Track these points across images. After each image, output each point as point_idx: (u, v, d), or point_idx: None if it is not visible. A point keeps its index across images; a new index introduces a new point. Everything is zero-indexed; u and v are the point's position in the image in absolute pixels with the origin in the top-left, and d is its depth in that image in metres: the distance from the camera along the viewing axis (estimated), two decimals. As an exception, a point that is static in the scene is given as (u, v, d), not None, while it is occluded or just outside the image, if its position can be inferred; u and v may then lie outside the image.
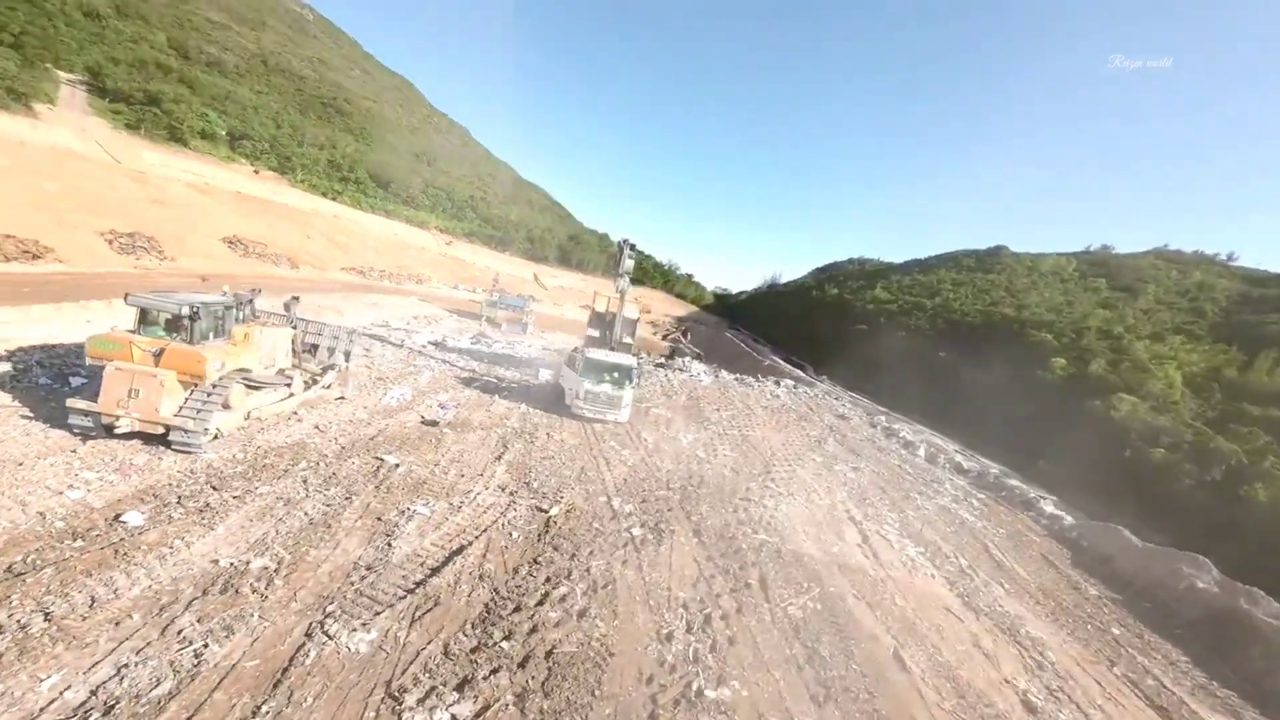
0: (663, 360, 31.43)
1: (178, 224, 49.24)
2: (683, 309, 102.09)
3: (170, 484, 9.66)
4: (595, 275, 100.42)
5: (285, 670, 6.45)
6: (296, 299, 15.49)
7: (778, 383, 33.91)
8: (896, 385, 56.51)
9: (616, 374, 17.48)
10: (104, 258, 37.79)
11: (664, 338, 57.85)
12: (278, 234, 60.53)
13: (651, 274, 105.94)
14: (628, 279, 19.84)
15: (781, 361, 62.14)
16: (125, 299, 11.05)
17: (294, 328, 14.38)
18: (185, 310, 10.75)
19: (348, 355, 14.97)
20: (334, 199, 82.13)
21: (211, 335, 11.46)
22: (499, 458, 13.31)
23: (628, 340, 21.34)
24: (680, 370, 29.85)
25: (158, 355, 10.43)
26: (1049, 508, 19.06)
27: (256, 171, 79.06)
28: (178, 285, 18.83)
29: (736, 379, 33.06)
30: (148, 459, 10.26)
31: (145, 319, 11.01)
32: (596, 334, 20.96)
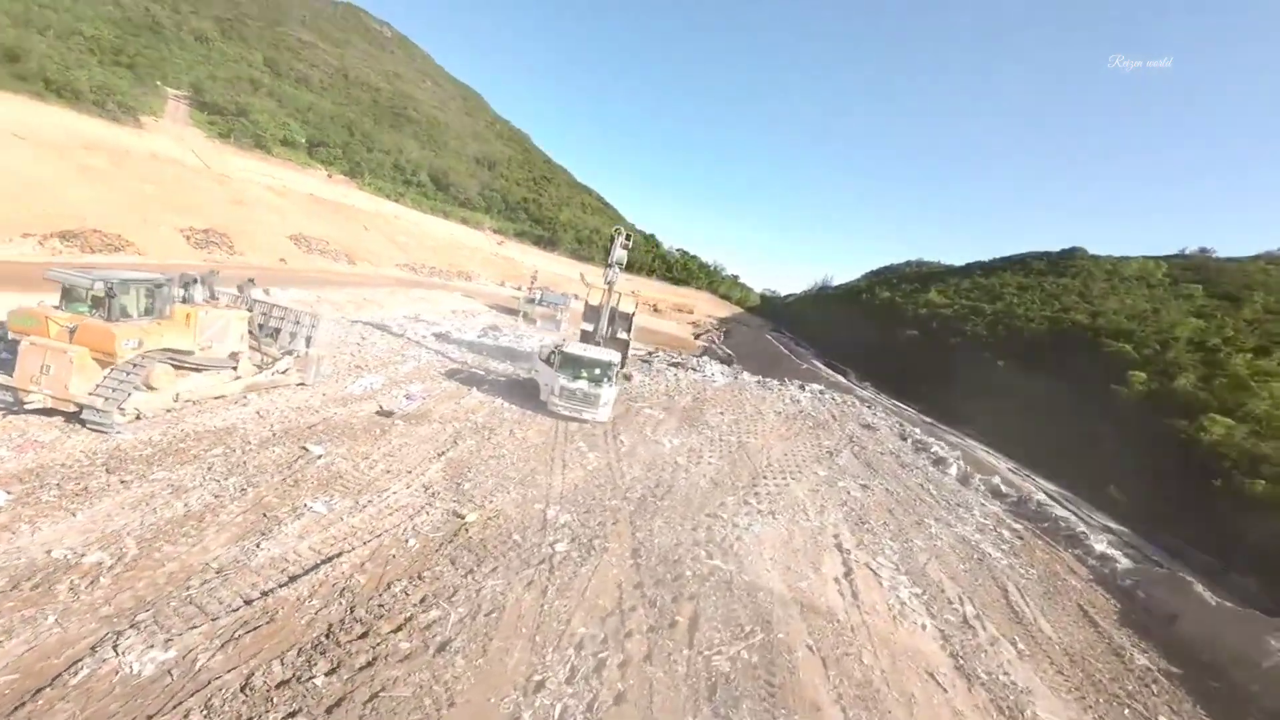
0: (678, 359, 29.46)
1: (251, 222, 52.05)
2: (726, 310, 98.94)
3: (63, 464, 8.96)
4: (640, 275, 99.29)
5: (40, 690, 5.31)
6: (252, 281, 14.89)
7: (802, 387, 31.11)
8: (947, 396, 51.57)
9: (596, 370, 15.85)
10: (179, 251, 40.15)
11: (697, 337, 55.60)
12: (341, 232, 63.11)
13: (696, 274, 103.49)
14: (618, 270, 18.19)
15: (822, 366, 58.39)
16: (45, 274, 10.56)
17: (250, 310, 13.71)
18: (101, 287, 10.09)
19: (309, 340, 14.22)
20: (397, 200, 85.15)
21: (140, 314, 10.81)
22: (441, 454, 12.01)
23: (623, 335, 19.70)
24: (694, 370, 27.81)
25: (73, 331, 9.86)
26: (1100, 545, 15.67)
27: (330, 175, 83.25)
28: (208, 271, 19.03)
29: (758, 381, 30.58)
30: (56, 436, 9.66)
31: (68, 295, 10.48)
32: (590, 328, 19.46)
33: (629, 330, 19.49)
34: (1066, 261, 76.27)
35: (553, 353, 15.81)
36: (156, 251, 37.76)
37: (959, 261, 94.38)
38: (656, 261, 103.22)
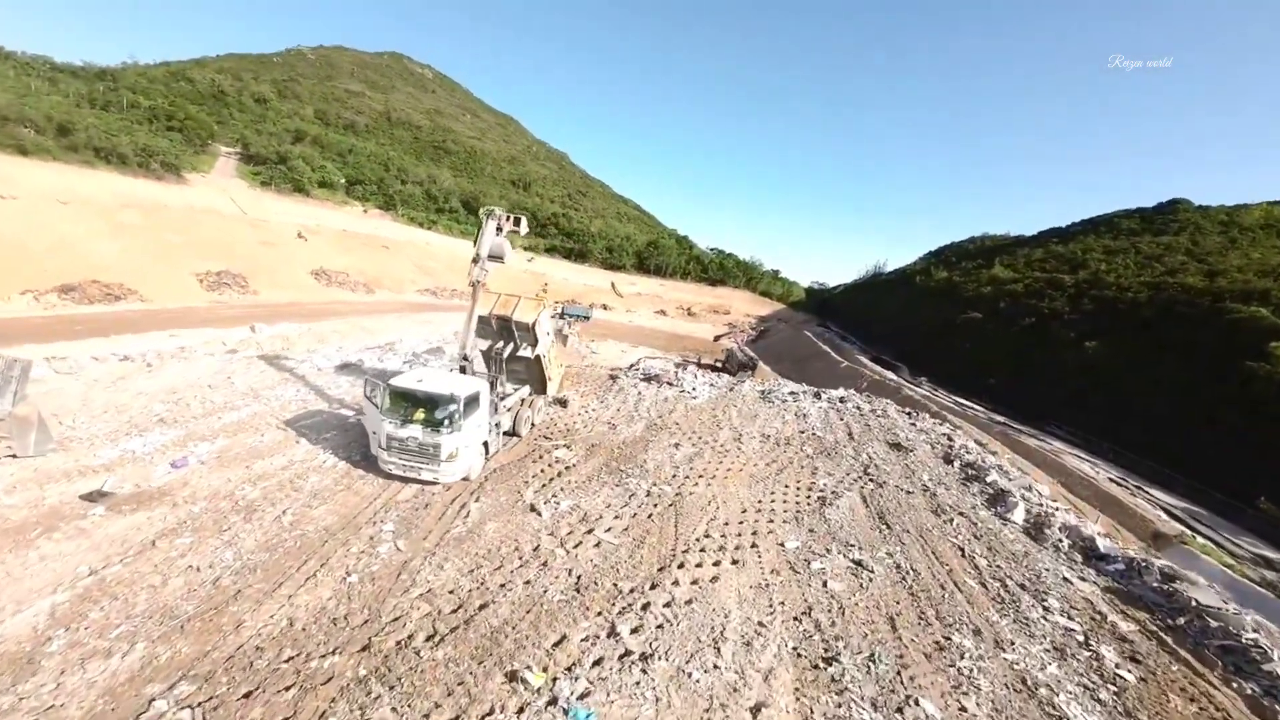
0: (655, 373, 23.57)
1: (277, 261, 51.44)
2: (767, 308, 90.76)
3: None
4: (674, 279, 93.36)
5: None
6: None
7: (818, 395, 24.17)
8: (1021, 388, 41.86)
9: (436, 410, 10.59)
10: (191, 295, 39.12)
11: (716, 339, 49.07)
12: (366, 264, 62.13)
13: (732, 273, 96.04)
14: (484, 267, 12.80)
15: (868, 362, 49.85)
16: None
17: (-83, 363, 9.68)
18: None
19: (16, 396, 10.03)
20: (429, 228, 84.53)
21: None
22: (85, 576, 7.17)
23: (527, 353, 14.33)
24: (672, 385, 21.83)
25: None
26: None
27: (365, 210, 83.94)
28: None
29: (762, 393, 24.11)
30: None
31: None
32: (487, 346, 14.28)
33: (535, 343, 14.13)
34: (1165, 216, 62.61)
35: (376, 387, 10.76)
36: (164, 298, 36.71)
37: (1030, 230, 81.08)
38: (690, 264, 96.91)
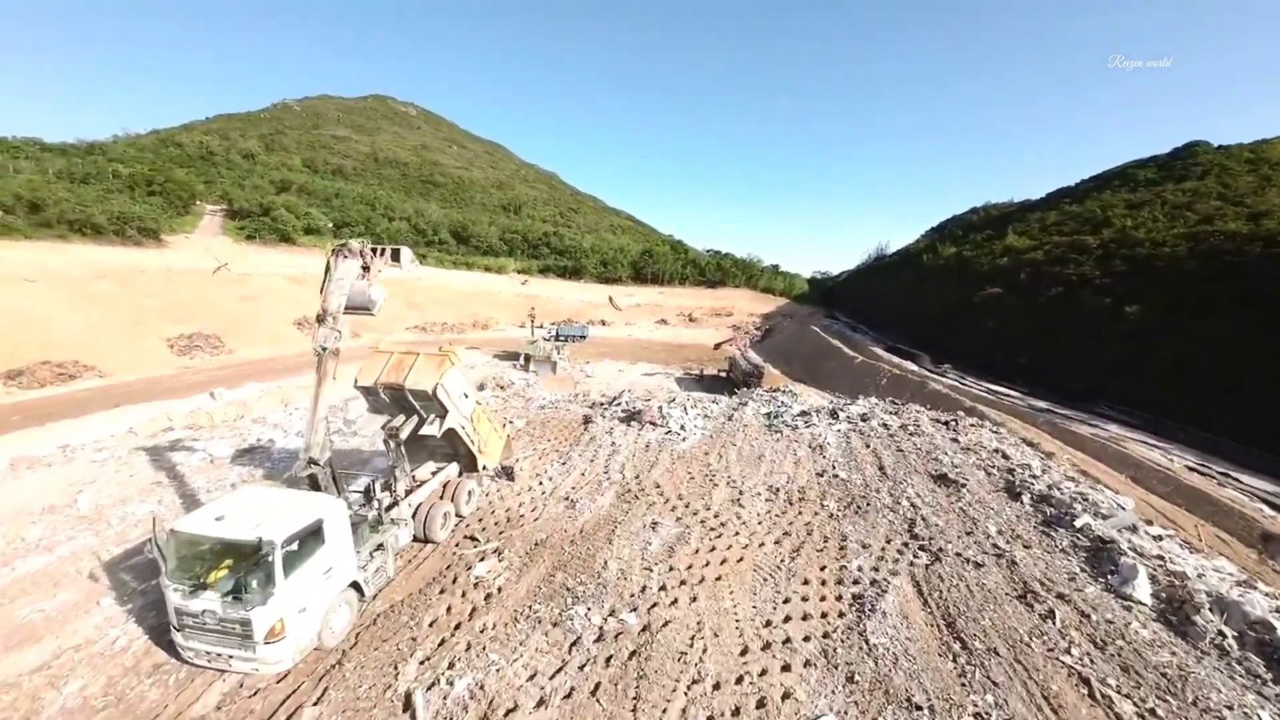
0: (636, 409, 19.28)
1: (256, 316, 48.49)
2: (770, 304, 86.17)
3: None
4: (672, 286, 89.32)
5: None
6: None
7: (835, 416, 19.69)
8: (1057, 365, 36.85)
9: (241, 566, 6.61)
10: (159, 362, 36.03)
11: (716, 347, 44.77)
12: (353, 306, 59.35)
13: (731, 273, 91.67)
14: (337, 327, 8.84)
15: (884, 353, 45.14)
16: None
17: None
18: None
19: None
20: (418, 264, 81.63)
21: None
22: None
23: (431, 431, 10.33)
24: (656, 425, 17.60)
25: None
26: None
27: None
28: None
29: (768, 417, 19.85)
30: None
31: None
32: (384, 423, 10.36)
33: (442, 416, 10.17)
34: (1184, 162, 56.92)
35: (154, 540, 6.74)
36: (127, 370, 33.62)
37: (1037, 194, 75.49)
38: (688, 268, 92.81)
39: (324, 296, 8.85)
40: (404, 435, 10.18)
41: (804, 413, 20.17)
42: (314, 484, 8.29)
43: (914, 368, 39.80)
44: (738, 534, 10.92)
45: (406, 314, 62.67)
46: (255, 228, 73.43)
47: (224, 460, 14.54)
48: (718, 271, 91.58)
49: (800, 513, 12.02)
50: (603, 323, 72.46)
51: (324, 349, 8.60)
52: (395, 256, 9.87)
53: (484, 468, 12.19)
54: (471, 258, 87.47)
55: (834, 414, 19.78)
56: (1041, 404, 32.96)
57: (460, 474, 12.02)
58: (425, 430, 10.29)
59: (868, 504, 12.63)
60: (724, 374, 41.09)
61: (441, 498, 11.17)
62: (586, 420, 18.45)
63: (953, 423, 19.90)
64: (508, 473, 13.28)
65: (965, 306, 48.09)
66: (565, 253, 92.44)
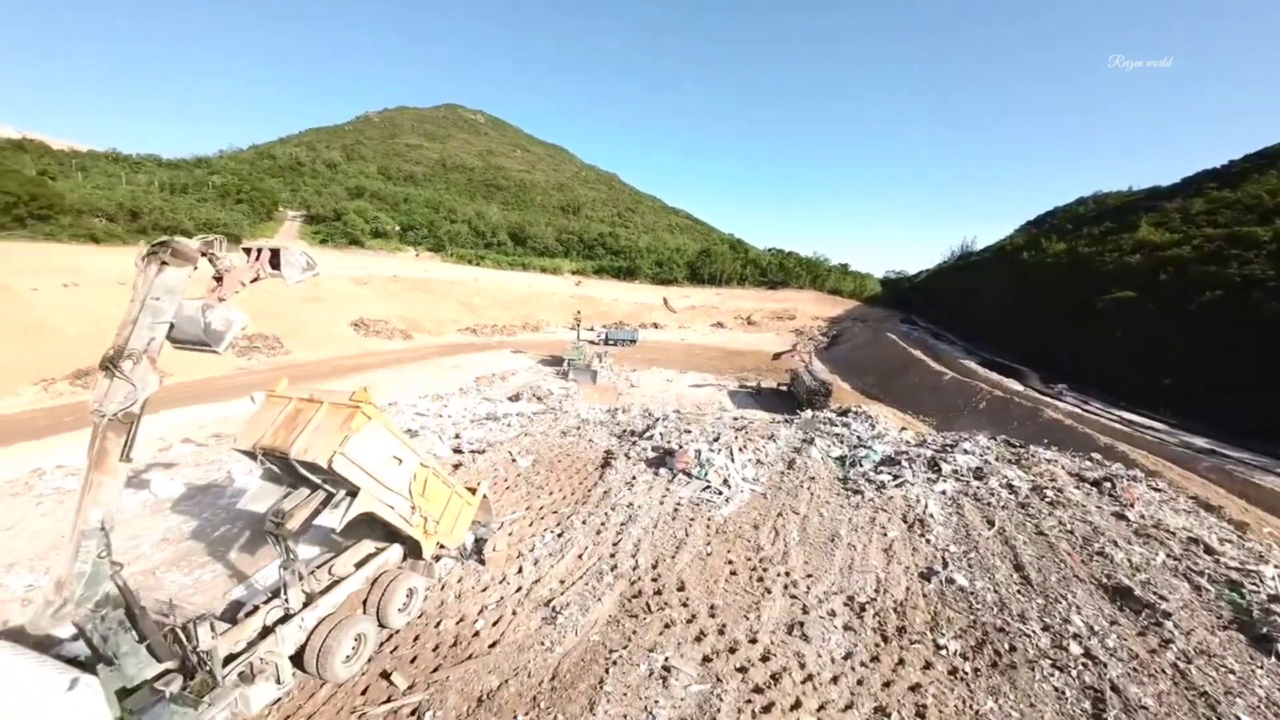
0: (670, 449, 14.97)
1: (317, 317, 48.97)
2: (838, 307, 78.43)
3: None
4: (730, 287, 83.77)
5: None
6: None
7: (935, 469, 14.46)
8: (1214, 390, 28.59)
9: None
10: (221, 362, 36.53)
11: (776, 357, 39.41)
12: (410, 308, 59.10)
13: (795, 273, 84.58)
14: (138, 378, 5.43)
15: (977, 368, 37.95)
16: None
17: None
18: None
19: None
20: (476, 264, 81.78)
21: None
22: None
23: (327, 522, 6.84)
24: (691, 476, 13.26)
25: None
26: None
27: (417, 254, 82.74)
28: None
29: (842, 465, 15.08)
30: None
31: None
32: (270, 510, 7.02)
33: (353, 494, 6.69)
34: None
35: None
36: (188, 370, 34.04)
37: (1165, 181, 63.03)
38: (747, 268, 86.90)
39: (121, 325, 5.49)
40: (296, 524, 6.78)
41: (891, 459, 15.14)
42: (91, 643, 5.00)
43: (1019, 388, 32.71)
44: (799, 703, 6.61)
45: (461, 316, 61.97)
46: (328, 232, 75.91)
47: (166, 503, 12.01)
48: (780, 271, 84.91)
49: (901, 660, 7.46)
50: (655, 325, 68.68)
51: (103, 415, 5.24)
52: (275, 261, 6.45)
53: (434, 554, 8.62)
54: (527, 258, 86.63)
55: (934, 465, 14.62)
56: (1200, 441, 25.40)
57: (405, 560, 8.54)
58: (322, 520, 6.83)
59: (1011, 648, 7.82)
60: (784, 388, 35.92)
61: (364, 605, 7.71)
62: (606, 460, 14.57)
63: (1109, 485, 14.15)
64: (478, 549, 9.65)
65: (1083, 313, 39.68)
66: (620, 253, 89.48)
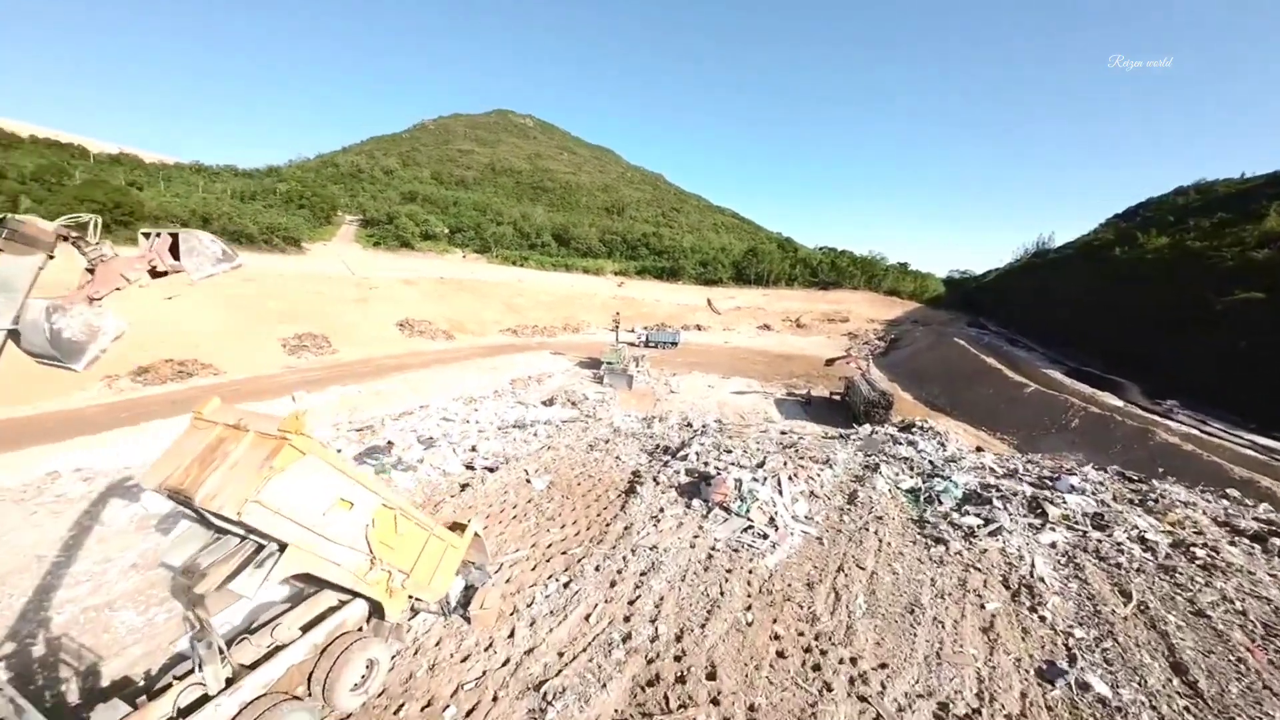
0: (706, 473, 12.80)
1: (365, 317, 49.96)
2: (896, 309, 73.02)
3: None
4: (778, 287, 79.90)
5: None
6: None
7: (1039, 512, 11.57)
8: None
9: None
10: (271, 361, 37.27)
11: (829, 363, 36.17)
12: (454, 309, 59.58)
13: (848, 272, 79.61)
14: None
15: (1063, 378, 33.34)
16: None
17: None
18: None
19: None
20: (520, 265, 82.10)
21: None
22: None
23: (241, 589, 5.25)
24: (730, 511, 11.09)
25: None
26: None
27: (464, 255, 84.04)
28: None
29: (915, 500, 12.47)
30: None
31: None
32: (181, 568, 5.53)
33: (280, 549, 5.13)
34: None
35: None
36: (240, 368, 35.08)
37: (1267, 168, 54.20)
38: (796, 268, 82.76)
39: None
40: (210, 586, 5.25)
41: (977, 495, 12.36)
42: None
43: (1118, 403, 28.17)
44: None
45: (504, 317, 61.90)
46: (381, 235, 78.10)
47: (153, 519, 11.09)
48: (831, 271, 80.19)
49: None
50: (698, 328, 66.23)
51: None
52: (175, 249, 4.93)
53: (409, 607, 6.97)
54: (571, 259, 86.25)
55: (1035, 505, 11.74)
56: (1367, 475, 20.53)
57: (369, 622, 6.92)
58: (238, 586, 5.25)
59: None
60: (837, 397, 32.83)
61: (310, 680, 6.12)
62: (632, 484, 12.64)
63: (1277, 542, 10.82)
64: (465, 600, 7.94)
65: (1194, 316, 34.14)
66: (664, 253, 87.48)
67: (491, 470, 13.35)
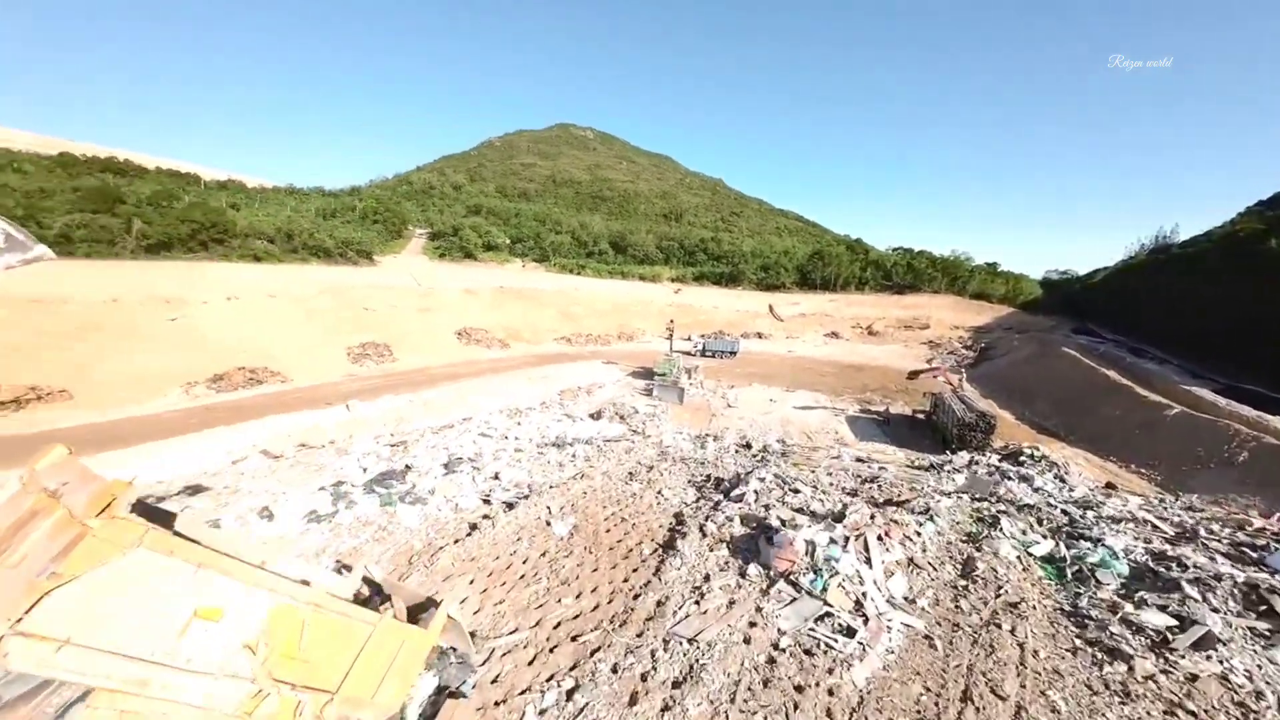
0: (767, 523, 10.03)
1: (426, 326, 51.00)
2: (984, 314, 65.19)
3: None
4: (847, 292, 74.10)
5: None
6: None
7: (1262, 610, 8.02)
8: None
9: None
10: (336, 369, 38.22)
11: (911, 377, 31.63)
12: (511, 317, 59.76)
13: (926, 274, 72.27)
14: None
15: (1216, 398, 26.92)
16: None
17: None
18: None
19: None
20: (577, 273, 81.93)
21: None
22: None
23: None
24: (800, 588, 8.25)
25: None
26: None
27: (523, 265, 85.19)
28: None
29: (1058, 575, 9.07)
30: None
31: None
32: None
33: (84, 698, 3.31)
34: None
35: None
36: (307, 376, 36.17)
37: None
38: (868, 270, 76.58)
39: None
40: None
41: (1151, 572, 8.75)
42: None
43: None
44: None
45: (559, 325, 61.33)
46: (446, 246, 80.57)
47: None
48: (908, 274, 73.24)
49: None
50: (759, 335, 62.43)
51: None
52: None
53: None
54: (627, 266, 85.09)
55: (1254, 597, 8.02)
56: None
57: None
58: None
59: None
60: (922, 416, 28.50)
61: None
62: (672, 534, 10.16)
63: None
64: (433, 710, 5.83)
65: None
66: (723, 258, 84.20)
67: (510, 506, 11.35)
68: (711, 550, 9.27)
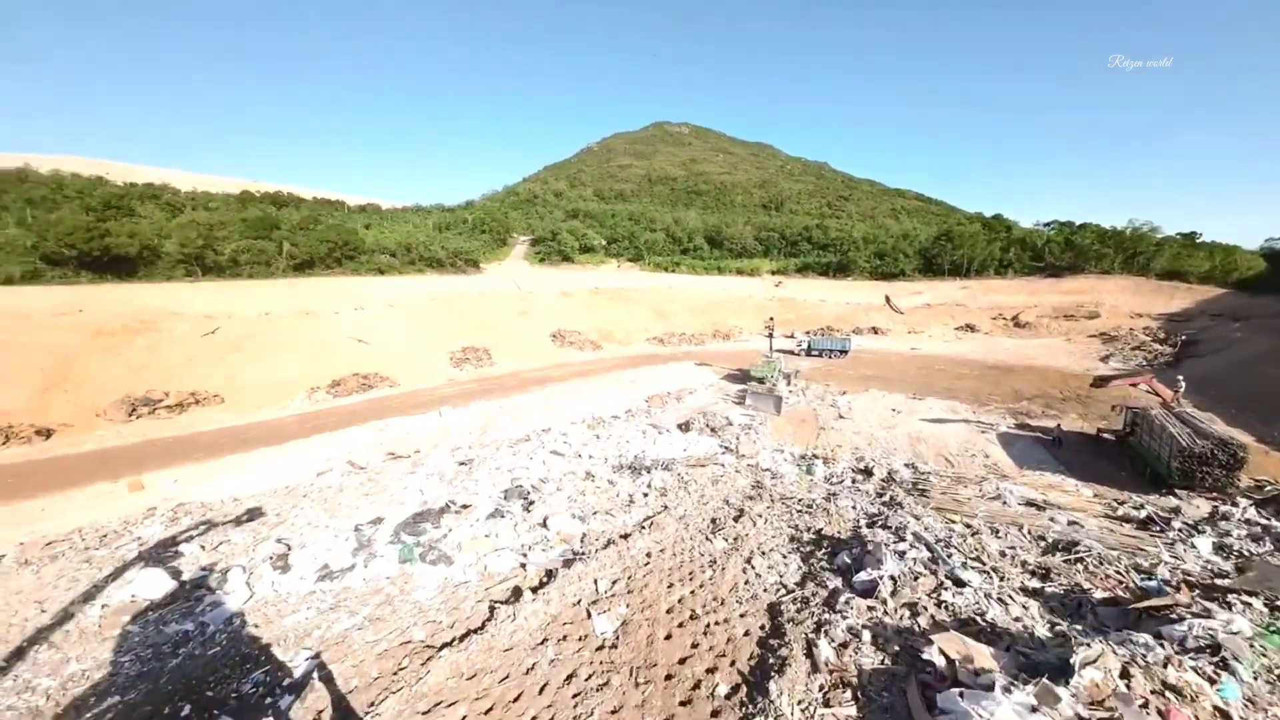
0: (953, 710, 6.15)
1: (523, 329, 51.84)
2: (1178, 297, 50.31)
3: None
4: (983, 277, 62.31)
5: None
6: None
7: None
8: None
9: None
10: (438, 373, 39.79)
11: (1097, 384, 23.61)
12: (603, 318, 58.82)
13: (1091, 251, 57.78)
14: None
15: None
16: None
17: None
18: None
19: None
20: (671, 271, 79.09)
21: None
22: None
23: None
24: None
25: None
26: None
27: (618, 265, 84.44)
28: None
29: None
30: None
31: None
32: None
33: None
34: None
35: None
36: (412, 380, 37.78)
37: None
38: (1010, 251, 63.89)
39: None
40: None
41: None
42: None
43: None
44: None
45: (652, 324, 59.03)
46: (546, 251, 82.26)
47: (141, 605, 8.84)
48: (1065, 252, 59.39)
49: None
50: (874, 331, 54.54)
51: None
52: None
53: None
54: (723, 260, 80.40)
55: None
56: None
57: None
58: None
59: None
60: (1110, 436, 21.22)
61: None
62: (765, 650, 6.74)
63: None
64: None
65: None
66: (829, 246, 75.98)
67: (549, 575, 8.67)
68: (828, 700, 5.70)
